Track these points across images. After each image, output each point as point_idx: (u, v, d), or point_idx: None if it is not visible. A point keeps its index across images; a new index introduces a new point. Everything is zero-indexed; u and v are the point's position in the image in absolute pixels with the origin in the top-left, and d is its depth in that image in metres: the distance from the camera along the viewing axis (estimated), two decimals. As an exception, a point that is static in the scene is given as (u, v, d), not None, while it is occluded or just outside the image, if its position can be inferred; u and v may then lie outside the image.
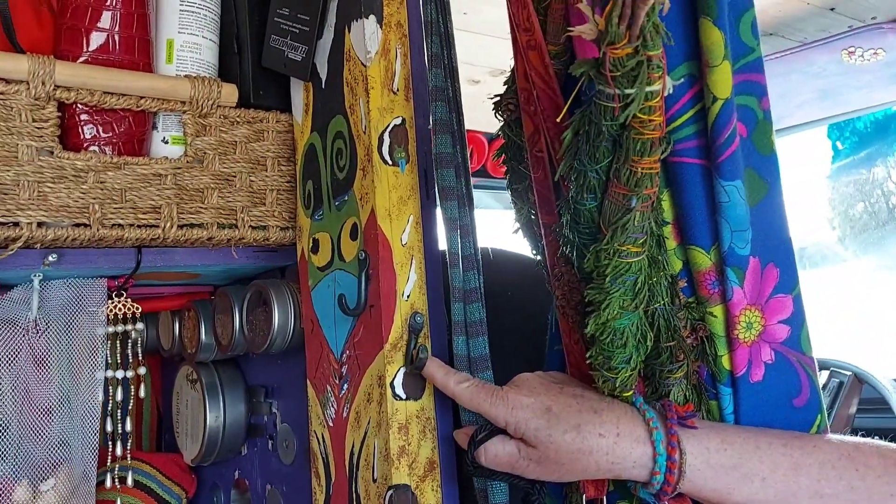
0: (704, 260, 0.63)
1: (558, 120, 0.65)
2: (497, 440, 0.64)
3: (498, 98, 0.78)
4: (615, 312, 0.62)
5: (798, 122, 1.51)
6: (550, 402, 0.62)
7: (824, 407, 0.67)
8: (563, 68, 0.69)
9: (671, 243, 0.64)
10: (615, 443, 0.59)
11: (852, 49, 1.25)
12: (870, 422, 1.52)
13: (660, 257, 0.64)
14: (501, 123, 0.79)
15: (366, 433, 0.73)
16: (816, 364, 0.69)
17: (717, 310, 0.63)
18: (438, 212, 0.77)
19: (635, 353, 0.63)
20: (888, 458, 0.61)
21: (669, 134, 0.62)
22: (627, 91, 0.55)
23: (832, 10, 1.24)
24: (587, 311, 0.63)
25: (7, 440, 0.77)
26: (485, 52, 0.96)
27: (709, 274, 0.63)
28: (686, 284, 0.65)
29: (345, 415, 0.77)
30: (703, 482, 0.59)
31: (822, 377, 1.57)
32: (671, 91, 0.58)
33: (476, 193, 0.81)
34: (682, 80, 0.62)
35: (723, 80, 0.60)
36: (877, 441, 0.64)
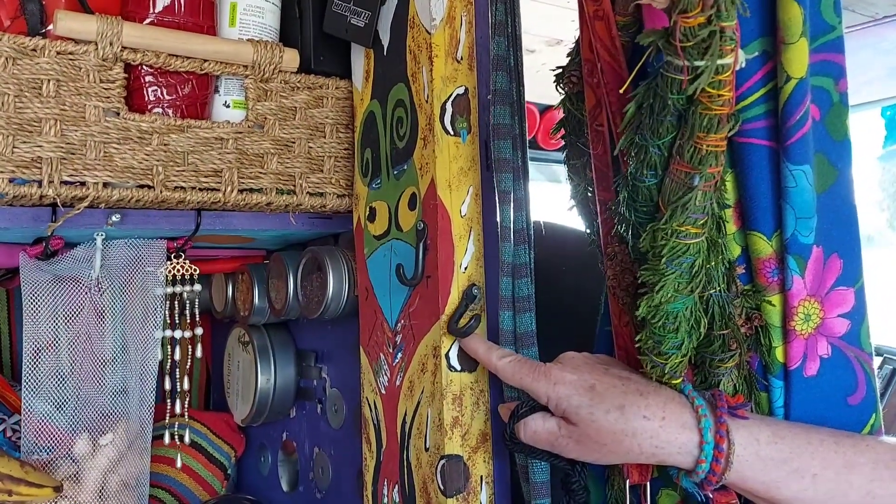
0: (765, 247, 0.61)
1: (622, 91, 0.63)
2: (538, 416, 0.64)
3: (560, 70, 0.76)
4: (669, 295, 0.60)
5: (865, 99, 1.46)
6: (594, 381, 0.61)
7: (880, 407, 0.66)
8: (629, 40, 0.67)
9: (731, 227, 0.63)
10: (660, 426, 0.58)
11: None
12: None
13: (719, 241, 0.62)
14: (562, 97, 0.77)
15: (419, 402, 0.74)
16: (874, 361, 0.67)
17: (775, 299, 0.61)
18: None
19: (687, 338, 0.61)
20: None
21: (738, 112, 0.61)
22: (697, 63, 0.53)
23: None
24: (640, 292, 0.62)
25: (69, 390, 0.79)
26: (543, 21, 0.94)
27: (769, 261, 0.61)
28: (744, 271, 0.63)
29: (398, 383, 0.77)
30: (752, 474, 0.57)
31: (875, 363, 1.54)
32: (743, 65, 0.55)
33: (532, 165, 0.79)
34: (756, 55, 0.60)
35: (798, 59, 0.57)
36: None
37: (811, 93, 0.60)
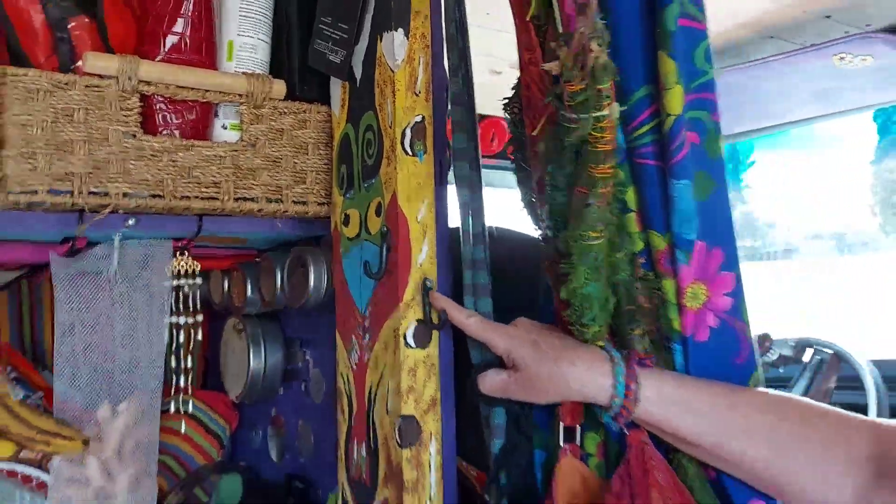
0: (660, 242, 0.78)
1: (534, 134, 0.80)
2: (492, 371, 0.82)
3: (507, 100, 0.93)
4: (581, 282, 0.77)
5: (796, 118, 1.63)
6: (537, 338, 0.80)
7: (759, 365, 0.82)
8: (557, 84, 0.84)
9: (635, 228, 0.79)
10: (585, 372, 0.76)
11: (843, 55, 1.37)
12: (847, 397, 1.65)
13: (617, 240, 0.79)
14: (509, 121, 0.94)
15: (382, 374, 0.90)
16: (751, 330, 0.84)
17: (670, 282, 0.77)
18: (451, 195, 0.92)
19: (600, 313, 0.78)
20: (805, 410, 0.77)
21: (634, 139, 0.77)
22: (581, 116, 0.70)
23: (828, 17, 1.36)
24: (562, 280, 0.79)
25: (91, 367, 0.94)
26: (508, 46, 1.10)
27: (664, 253, 0.78)
28: (646, 261, 0.80)
29: (366, 359, 0.93)
30: (655, 410, 0.74)
31: (807, 354, 1.71)
32: (616, 115, 0.72)
33: (499, 174, 0.96)
34: (644, 96, 0.76)
35: (675, 100, 0.74)
36: (800, 398, 0.79)
37: (690, 123, 0.77)
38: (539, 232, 0.92)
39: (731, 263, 0.79)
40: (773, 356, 1.74)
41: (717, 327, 0.79)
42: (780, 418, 0.76)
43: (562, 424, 0.85)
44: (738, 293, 0.79)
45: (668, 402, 0.75)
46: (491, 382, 0.82)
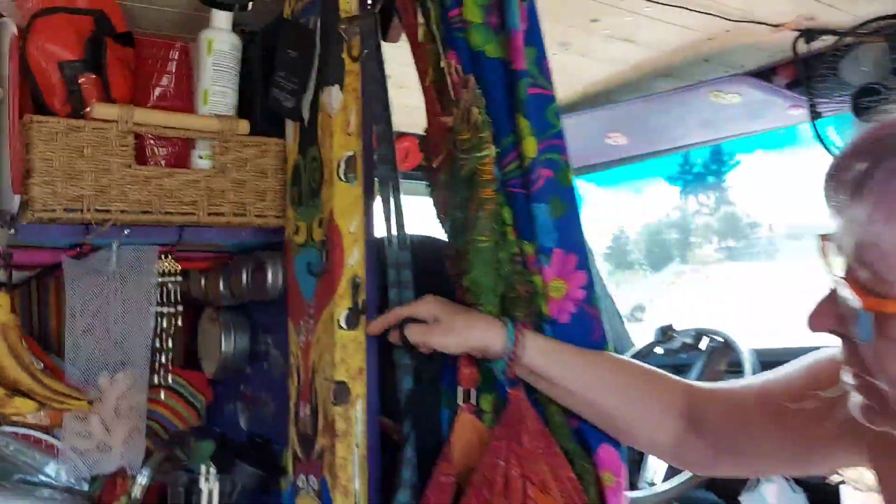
0: (529, 248, 1.05)
1: (435, 166, 1.07)
2: (415, 324, 1.08)
3: (421, 139, 1.21)
4: (476, 274, 1.05)
5: (690, 142, 1.92)
6: (448, 304, 1.08)
7: (610, 341, 1.10)
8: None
9: (512, 237, 1.07)
10: (486, 325, 1.04)
11: (718, 92, 1.66)
12: (734, 377, 1.94)
13: (501, 244, 1.07)
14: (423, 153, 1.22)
15: (322, 350, 1.16)
16: (603, 315, 1.12)
17: (538, 279, 1.05)
18: (377, 211, 1.19)
19: (492, 297, 1.07)
20: (639, 370, 1.07)
21: (506, 173, 1.05)
22: (468, 156, 0.98)
23: (706, 61, 1.65)
24: (462, 273, 1.07)
25: (97, 345, 1.21)
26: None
27: (532, 256, 1.06)
28: (522, 261, 1.07)
29: (311, 340, 1.20)
30: (536, 357, 1.02)
31: (704, 342, 2.00)
32: (494, 154, 1.00)
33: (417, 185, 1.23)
34: (511, 142, 1.04)
35: (529, 147, 1.02)
36: (635, 361, 1.08)
37: (546, 162, 1.04)
38: (446, 237, 1.20)
39: (584, 264, 1.07)
40: (676, 344, 2.03)
41: (575, 312, 1.07)
42: (622, 375, 1.05)
43: (461, 388, 1.12)
44: (590, 286, 1.08)
45: (546, 353, 1.03)
46: (416, 330, 1.07)
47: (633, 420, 1.06)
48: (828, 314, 0.69)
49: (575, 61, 1.63)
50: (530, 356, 1.02)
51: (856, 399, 0.71)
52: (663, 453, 1.08)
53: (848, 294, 0.66)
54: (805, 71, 1.54)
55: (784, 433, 0.90)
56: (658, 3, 1.35)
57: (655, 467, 1.89)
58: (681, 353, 2.02)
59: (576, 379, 1.04)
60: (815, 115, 1.52)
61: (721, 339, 1.93)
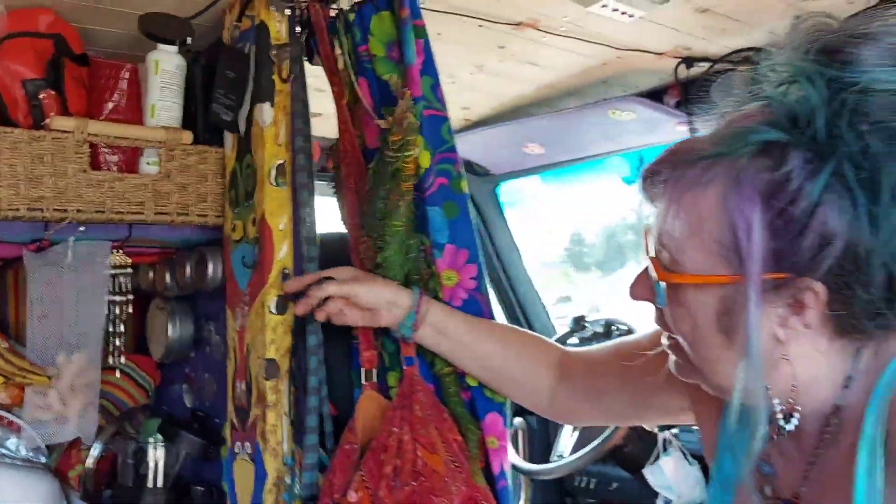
0: (427, 242, 1.25)
1: (343, 175, 1.26)
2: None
3: (331, 147, 1.39)
4: (389, 254, 1.24)
5: (597, 152, 2.15)
6: (360, 274, 1.26)
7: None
8: (363, 144, 1.31)
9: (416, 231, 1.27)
10: (395, 289, 1.23)
11: (615, 110, 1.88)
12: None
13: (411, 232, 1.27)
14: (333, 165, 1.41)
15: (255, 333, 1.34)
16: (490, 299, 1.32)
17: (434, 268, 1.25)
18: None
19: (400, 273, 1.26)
20: (520, 333, 1.29)
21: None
22: (397, 154, 1.17)
23: (604, 83, 1.87)
24: (377, 252, 1.26)
25: (55, 329, 1.37)
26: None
27: (429, 249, 1.25)
28: (423, 250, 1.27)
29: (245, 323, 1.38)
30: (436, 314, 1.22)
31: (613, 332, 2.24)
32: (417, 155, 1.19)
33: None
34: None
35: (423, 160, 1.21)
36: (517, 327, 1.29)
37: (440, 172, 1.24)
38: (345, 229, 1.38)
39: (474, 258, 1.27)
40: (588, 333, 2.26)
41: (466, 298, 1.27)
42: (508, 334, 1.27)
43: (363, 369, 1.31)
44: (479, 277, 1.28)
45: (446, 314, 1.23)
46: (342, 279, 1.22)
47: (517, 371, 1.26)
48: (642, 286, 0.88)
49: (490, 81, 1.84)
50: (433, 313, 1.22)
51: (672, 357, 0.91)
52: (539, 403, 1.27)
53: (651, 270, 0.85)
54: (686, 93, 1.77)
55: (627, 382, 1.11)
56: (553, 34, 1.56)
57: (565, 444, 2.11)
58: (593, 340, 2.24)
59: (470, 333, 1.23)
60: (693, 131, 1.75)
61: (626, 328, 2.16)
